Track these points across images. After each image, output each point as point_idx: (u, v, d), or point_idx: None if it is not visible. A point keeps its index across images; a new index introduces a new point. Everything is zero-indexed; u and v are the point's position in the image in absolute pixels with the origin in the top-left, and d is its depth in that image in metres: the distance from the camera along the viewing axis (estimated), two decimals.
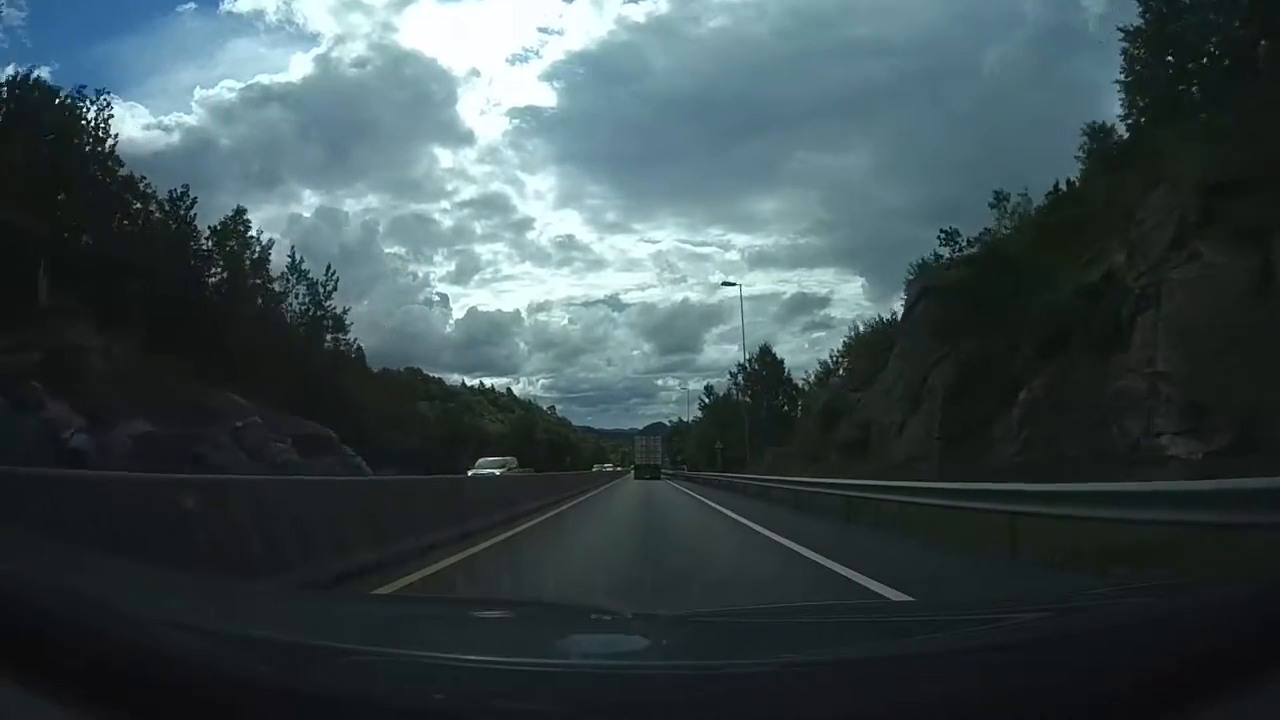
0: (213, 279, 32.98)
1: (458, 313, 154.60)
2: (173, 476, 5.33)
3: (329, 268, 39.74)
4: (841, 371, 43.70)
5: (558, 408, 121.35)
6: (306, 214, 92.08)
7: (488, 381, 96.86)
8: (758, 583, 6.61)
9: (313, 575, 5.41)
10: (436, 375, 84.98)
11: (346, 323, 40.77)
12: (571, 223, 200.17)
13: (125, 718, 0.94)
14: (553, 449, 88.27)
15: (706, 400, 71.29)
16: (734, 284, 52.62)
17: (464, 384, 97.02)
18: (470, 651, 1.21)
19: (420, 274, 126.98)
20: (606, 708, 0.97)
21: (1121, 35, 21.21)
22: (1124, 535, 6.01)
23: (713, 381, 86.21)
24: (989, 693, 0.95)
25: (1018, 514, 7.25)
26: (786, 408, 55.30)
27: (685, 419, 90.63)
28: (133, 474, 5.03)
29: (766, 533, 10.81)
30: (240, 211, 36.14)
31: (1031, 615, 1.64)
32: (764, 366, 58.31)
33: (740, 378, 58.83)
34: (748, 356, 55.07)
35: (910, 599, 4.80)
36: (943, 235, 30.11)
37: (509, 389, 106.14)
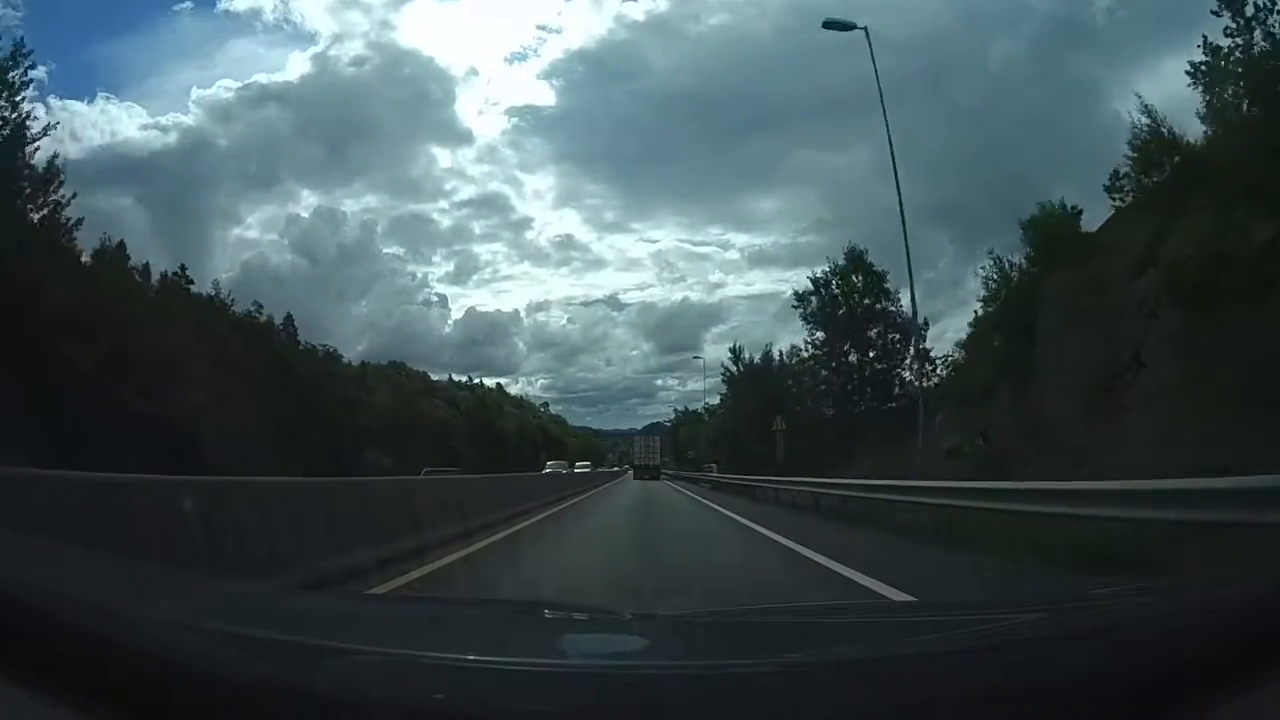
0: None
1: (456, 313, 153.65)
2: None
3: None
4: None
5: (551, 406, 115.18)
6: (305, 214, 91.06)
7: (485, 382, 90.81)
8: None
9: None
10: (420, 369, 73.59)
11: (56, 168, 22.67)
12: (570, 222, 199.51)
13: (125, 718, 0.94)
14: (525, 444, 73.43)
15: (734, 369, 46.47)
16: (852, 25, 19.08)
17: (450, 379, 79.89)
18: (470, 651, 1.21)
19: (419, 274, 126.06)
20: (606, 708, 0.96)
21: None
22: None
23: (741, 342, 61.41)
24: (989, 693, 0.95)
25: None
26: (868, 370, 35.27)
27: (697, 407, 70.69)
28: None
29: None
30: None
31: (1031, 615, 1.63)
32: (848, 293, 34.47)
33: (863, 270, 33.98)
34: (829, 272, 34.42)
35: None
36: None
37: (498, 384, 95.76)
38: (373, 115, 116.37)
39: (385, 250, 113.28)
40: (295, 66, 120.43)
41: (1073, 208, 20.90)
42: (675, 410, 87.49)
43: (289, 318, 45.40)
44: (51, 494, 3.83)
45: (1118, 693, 0.92)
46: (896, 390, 33.70)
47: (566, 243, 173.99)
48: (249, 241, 76.44)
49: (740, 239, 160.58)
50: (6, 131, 23.15)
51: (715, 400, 58.18)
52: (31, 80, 24.62)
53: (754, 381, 43.12)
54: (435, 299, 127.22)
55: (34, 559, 1.56)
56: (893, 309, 33.71)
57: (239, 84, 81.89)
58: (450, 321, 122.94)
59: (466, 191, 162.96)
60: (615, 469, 70.42)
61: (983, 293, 24.31)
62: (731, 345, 47.75)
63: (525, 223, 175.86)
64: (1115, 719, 0.91)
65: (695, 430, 68.55)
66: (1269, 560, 4.19)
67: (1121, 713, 0.91)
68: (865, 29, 19.16)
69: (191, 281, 37.52)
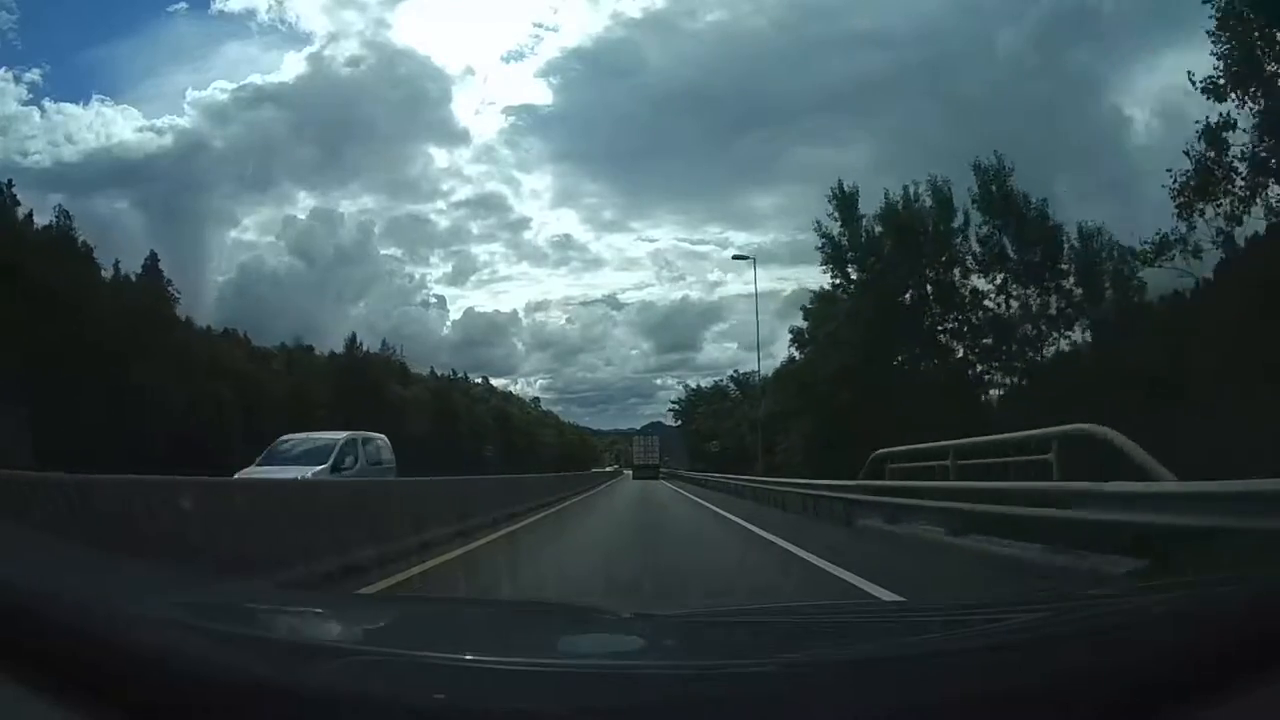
0: None
1: (455, 314, 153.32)
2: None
3: None
4: None
5: (553, 406, 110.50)
6: (301, 216, 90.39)
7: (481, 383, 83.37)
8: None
9: None
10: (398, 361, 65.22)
11: None
12: (568, 222, 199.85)
13: (125, 718, 0.94)
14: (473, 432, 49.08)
15: (839, 227, 23.92)
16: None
17: (432, 372, 60.71)
18: (470, 651, 1.21)
19: (417, 275, 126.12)
20: (606, 708, 0.96)
21: None
22: None
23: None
24: (989, 693, 0.95)
25: None
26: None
27: (722, 379, 55.48)
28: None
29: None
30: None
31: (1031, 615, 1.63)
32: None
33: None
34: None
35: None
36: None
37: (484, 378, 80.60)
38: (369, 115, 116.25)
39: (383, 251, 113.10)
40: (291, 67, 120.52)
41: None
42: (686, 388, 70.25)
43: (153, 254, 35.46)
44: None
45: (1118, 693, 0.92)
46: None
47: (565, 242, 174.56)
48: (246, 244, 76.28)
49: (739, 237, 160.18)
50: None
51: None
52: None
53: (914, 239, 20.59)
54: (433, 300, 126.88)
55: (34, 559, 1.56)
56: None
57: (234, 85, 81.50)
58: (449, 322, 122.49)
59: (464, 192, 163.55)
60: (608, 469, 63.16)
61: None
62: (834, 187, 23.27)
63: (523, 223, 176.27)
64: (1115, 719, 0.91)
65: (721, 412, 49.40)
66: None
67: (1121, 713, 0.91)
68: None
69: None
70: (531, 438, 66.81)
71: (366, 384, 42.83)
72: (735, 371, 51.90)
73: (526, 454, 56.32)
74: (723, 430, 45.29)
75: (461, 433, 47.06)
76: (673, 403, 68.25)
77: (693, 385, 66.63)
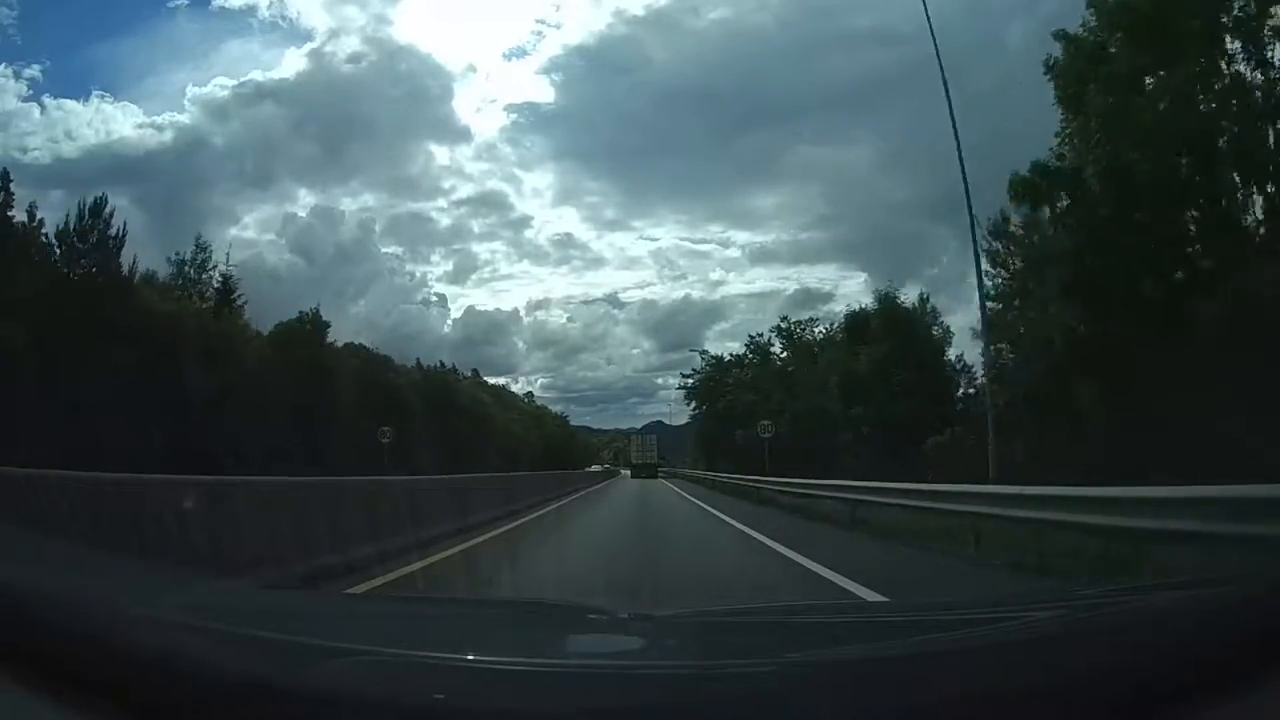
0: None
1: (455, 312, 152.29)
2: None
3: None
4: None
5: (554, 406, 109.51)
6: (302, 213, 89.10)
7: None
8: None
9: None
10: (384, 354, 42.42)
11: None
12: (570, 220, 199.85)
13: (125, 718, 0.94)
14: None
15: None
16: None
17: (419, 363, 46.88)
18: (470, 651, 1.21)
19: (418, 274, 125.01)
20: (606, 708, 0.97)
21: None
22: None
23: None
24: (989, 693, 0.95)
25: None
26: None
27: (770, 333, 39.45)
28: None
29: None
30: None
31: (1031, 615, 1.63)
32: None
33: None
34: None
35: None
36: None
37: (474, 372, 73.51)
38: (370, 113, 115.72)
39: (384, 250, 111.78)
40: (291, 64, 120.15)
41: None
42: (704, 356, 48.18)
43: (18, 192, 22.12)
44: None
45: (1118, 693, 0.92)
46: None
47: (566, 241, 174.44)
48: (246, 241, 75.25)
49: (741, 236, 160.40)
50: None
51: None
52: None
53: None
54: (434, 298, 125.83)
55: (35, 559, 1.56)
56: None
57: (235, 82, 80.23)
58: (449, 321, 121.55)
59: (465, 190, 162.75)
60: (595, 469, 60.35)
61: None
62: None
63: (524, 221, 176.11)
64: (1115, 719, 0.91)
65: (766, 378, 33.79)
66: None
67: (1121, 713, 0.91)
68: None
69: None
70: (482, 423, 48.07)
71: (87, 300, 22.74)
72: (783, 319, 34.76)
73: (475, 446, 40.76)
74: (770, 407, 30.34)
75: (343, 405, 32.07)
76: (685, 375, 49.46)
77: (713, 355, 47.87)
